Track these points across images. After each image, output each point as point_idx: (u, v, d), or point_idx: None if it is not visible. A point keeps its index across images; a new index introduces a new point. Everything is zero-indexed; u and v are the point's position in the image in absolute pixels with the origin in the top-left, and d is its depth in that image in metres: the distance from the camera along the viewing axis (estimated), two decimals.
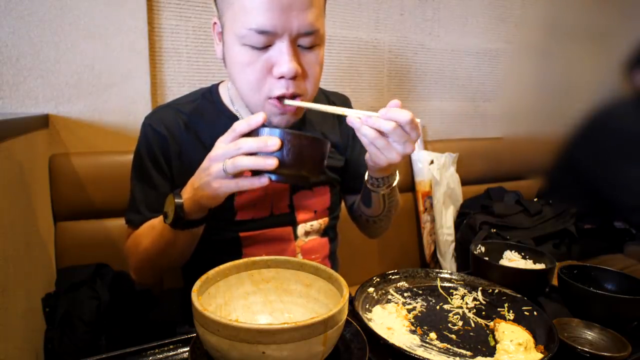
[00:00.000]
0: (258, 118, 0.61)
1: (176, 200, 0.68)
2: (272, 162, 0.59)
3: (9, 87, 1.12)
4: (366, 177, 0.84)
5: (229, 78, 0.83)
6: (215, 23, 0.77)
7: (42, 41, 1.14)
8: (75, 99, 1.20)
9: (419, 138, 0.69)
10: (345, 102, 1.02)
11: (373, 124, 0.65)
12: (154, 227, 0.79)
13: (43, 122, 1.15)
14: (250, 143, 0.60)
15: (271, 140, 0.59)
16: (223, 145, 0.63)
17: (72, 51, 1.17)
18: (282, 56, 0.69)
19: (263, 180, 0.62)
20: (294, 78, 0.71)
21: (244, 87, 0.74)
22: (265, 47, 0.70)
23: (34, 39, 1.13)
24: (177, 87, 1.35)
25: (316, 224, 0.91)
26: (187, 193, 0.69)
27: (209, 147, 0.84)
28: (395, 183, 0.84)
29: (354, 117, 0.67)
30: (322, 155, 0.64)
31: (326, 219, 0.93)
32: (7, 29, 1.10)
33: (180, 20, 1.32)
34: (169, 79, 1.34)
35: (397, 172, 0.84)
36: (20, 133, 0.95)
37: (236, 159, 0.60)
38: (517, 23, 1.96)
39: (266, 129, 0.61)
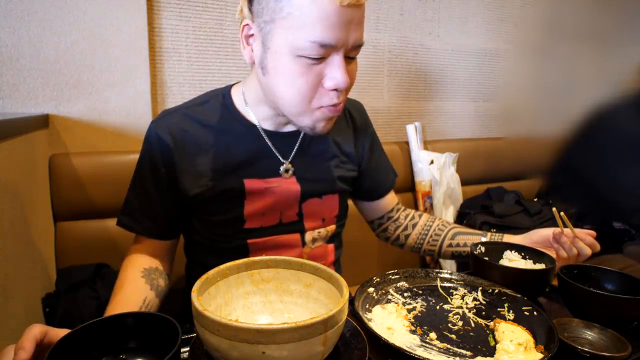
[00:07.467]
0: None
1: None
2: None
3: (9, 87, 1.12)
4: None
5: (257, 83, 0.79)
6: (246, 25, 0.73)
7: (42, 41, 1.14)
8: (75, 99, 1.20)
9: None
10: (359, 109, 1.01)
11: (577, 245, 0.85)
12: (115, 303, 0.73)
13: (43, 122, 1.15)
14: None
15: None
16: None
17: (72, 51, 1.17)
18: (337, 70, 0.69)
19: None
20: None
21: (293, 96, 0.72)
22: (320, 59, 0.69)
23: (34, 39, 1.13)
24: (177, 87, 1.35)
25: (323, 230, 0.91)
26: None
27: (221, 153, 0.82)
28: None
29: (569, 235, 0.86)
30: None
31: (333, 226, 0.93)
32: (7, 29, 1.10)
33: (180, 20, 1.32)
34: (169, 79, 1.34)
35: None
36: (20, 133, 0.95)
37: None
38: (517, 23, 1.96)
39: None
